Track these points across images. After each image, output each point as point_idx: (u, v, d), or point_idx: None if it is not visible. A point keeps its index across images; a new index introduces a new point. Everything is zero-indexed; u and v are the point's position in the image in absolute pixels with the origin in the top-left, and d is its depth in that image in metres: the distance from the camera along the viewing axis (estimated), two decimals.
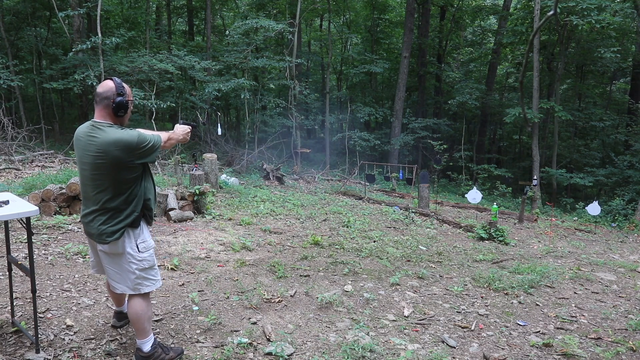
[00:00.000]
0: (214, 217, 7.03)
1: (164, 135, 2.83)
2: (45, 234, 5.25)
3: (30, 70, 15.16)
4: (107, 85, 2.61)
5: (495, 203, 9.27)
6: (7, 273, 3.18)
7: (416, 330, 3.62)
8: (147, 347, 2.76)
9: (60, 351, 2.86)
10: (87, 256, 4.62)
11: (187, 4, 21.34)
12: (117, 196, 2.59)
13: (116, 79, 2.64)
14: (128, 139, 2.51)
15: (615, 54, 14.31)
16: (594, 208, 9.41)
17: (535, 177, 12.65)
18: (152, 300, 3.75)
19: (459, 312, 4.04)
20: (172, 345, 3.00)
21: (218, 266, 4.79)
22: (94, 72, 11.39)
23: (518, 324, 3.87)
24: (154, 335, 2.90)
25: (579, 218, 11.80)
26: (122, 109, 2.61)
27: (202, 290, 4.06)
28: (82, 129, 2.64)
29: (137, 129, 2.66)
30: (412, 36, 18.14)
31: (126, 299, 3.19)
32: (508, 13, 19.54)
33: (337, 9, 20.82)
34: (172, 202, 6.77)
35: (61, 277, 4.04)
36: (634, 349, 3.46)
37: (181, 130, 2.95)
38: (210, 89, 13.44)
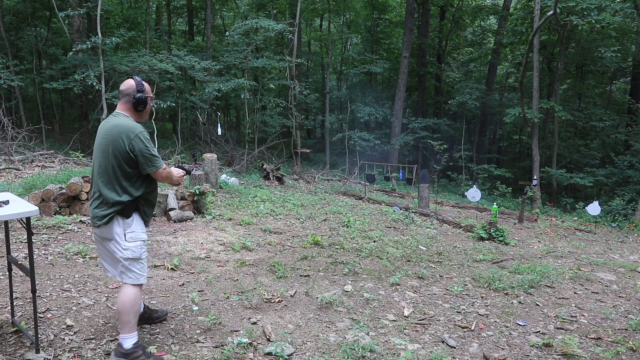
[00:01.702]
0: (214, 217, 7.04)
1: (166, 168, 2.93)
2: (45, 234, 5.24)
3: (30, 70, 15.16)
4: (128, 83, 2.88)
5: (495, 203, 9.26)
6: (7, 273, 3.18)
7: (416, 330, 3.62)
8: (128, 344, 2.75)
9: (60, 351, 2.86)
10: (87, 256, 4.62)
11: (187, 4, 21.34)
12: (114, 181, 2.75)
13: (137, 77, 2.90)
14: (132, 126, 2.76)
15: (616, 53, 14.31)
16: (594, 208, 9.41)
17: (535, 177, 12.65)
18: (152, 300, 3.75)
19: (459, 312, 4.04)
20: (156, 354, 2.94)
21: (218, 266, 4.79)
22: (94, 72, 11.38)
23: (518, 324, 3.87)
24: (145, 337, 2.91)
25: (579, 218, 11.80)
26: (141, 104, 2.86)
27: (202, 290, 4.06)
28: (106, 118, 2.97)
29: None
30: (412, 36, 18.14)
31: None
32: (508, 13, 19.53)
33: (337, 9, 20.82)
34: (172, 202, 6.78)
35: (61, 277, 4.04)
36: (634, 349, 3.46)
37: (176, 172, 3.10)
38: (210, 89, 13.44)
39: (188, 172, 3.22)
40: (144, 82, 2.89)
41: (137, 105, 2.85)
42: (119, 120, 2.78)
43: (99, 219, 2.73)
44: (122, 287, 2.83)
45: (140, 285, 2.87)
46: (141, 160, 2.75)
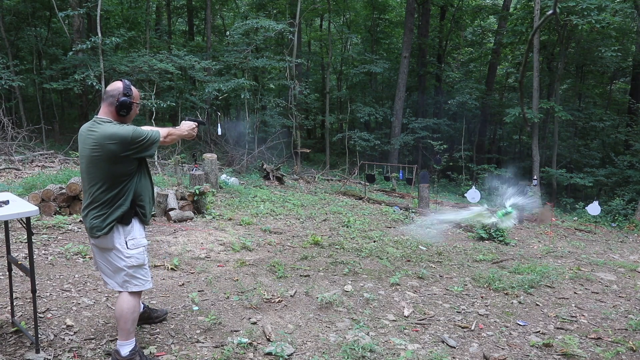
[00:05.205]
0: (214, 217, 7.03)
1: (163, 130, 2.86)
2: (45, 234, 5.25)
3: (30, 70, 15.16)
4: (115, 85, 2.74)
5: (502, 208, 8.81)
6: (7, 273, 3.18)
7: (416, 330, 3.62)
8: (125, 350, 2.71)
9: (60, 351, 2.85)
10: (87, 256, 4.62)
11: (187, 4, 21.34)
12: (109, 190, 2.63)
13: (126, 80, 2.75)
14: (123, 134, 2.59)
15: (616, 53, 14.31)
16: (594, 208, 9.41)
17: (535, 177, 12.65)
18: (152, 300, 3.75)
19: (459, 312, 4.04)
20: (155, 355, 2.95)
21: (218, 266, 4.79)
22: (94, 72, 11.38)
23: (518, 324, 3.87)
24: (138, 340, 2.85)
25: (579, 218, 11.80)
26: (124, 108, 2.69)
27: (202, 290, 4.06)
28: (86, 124, 2.76)
29: (134, 126, 2.71)
30: (412, 36, 18.13)
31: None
32: (508, 13, 19.54)
33: (337, 9, 20.81)
34: (172, 202, 6.77)
35: (61, 277, 4.04)
36: (634, 349, 3.46)
37: (187, 126, 3.03)
38: (210, 89, 13.44)
39: (200, 123, 3.09)
40: (132, 87, 2.74)
41: (120, 109, 2.67)
42: (106, 129, 2.59)
43: (99, 229, 2.62)
44: (120, 295, 2.76)
45: (141, 292, 2.84)
46: (145, 154, 2.70)
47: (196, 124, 3.06)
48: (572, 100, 20.09)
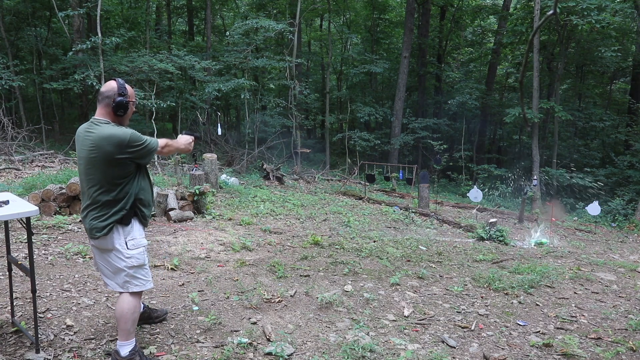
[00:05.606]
0: (214, 217, 7.03)
1: (162, 140, 2.87)
2: (45, 234, 5.25)
3: (30, 70, 15.16)
4: (109, 85, 2.71)
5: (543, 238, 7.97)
6: (7, 273, 3.18)
7: (416, 330, 3.62)
8: (125, 350, 2.71)
9: (60, 351, 2.85)
10: (87, 256, 4.62)
11: (187, 4, 21.35)
12: (108, 192, 2.63)
13: (119, 80, 2.72)
14: (121, 135, 2.59)
15: (616, 53, 14.32)
16: (594, 208, 9.41)
17: (535, 177, 12.65)
18: (152, 300, 3.75)
19: (459, 312, 4.04)
20: (155, 355, 2.95)
21: (218, 266, 4.79)
22: (94, 72, 11.38)
23: (518, 324, 3.87)
24: (138, 340, 2.85)
25: (579, 218, 11.80)
26: (121, 108, 2.68)
27: (202, 290, 4.06)
28: (83, 125, 2.75)
29: (133, 130, 2.71)
30: (412, 36, 18.14)
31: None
32: (508, 13, 19.54)
33: (337, 9, 20.82)
34: (172, 202, 6.78)
35: (61, 277, 4.04)
36: (634, 349, 3.46)
37: (184, 140, 3.06)
38: (210, 89, 13.44)
39: (198, 138, 3.13)
40: (127, 86, 2.72)
41: (117, 110, 2.66)
42: (104, 130, 2.59)
43: (98, 230, 2.63)
44: (121, 295, 2.77)
45: (141, 293, 2.85)
46: (141, 160, 2.70)
47: (193, 138, 3.09)
48: (572, 100, 20.10)
